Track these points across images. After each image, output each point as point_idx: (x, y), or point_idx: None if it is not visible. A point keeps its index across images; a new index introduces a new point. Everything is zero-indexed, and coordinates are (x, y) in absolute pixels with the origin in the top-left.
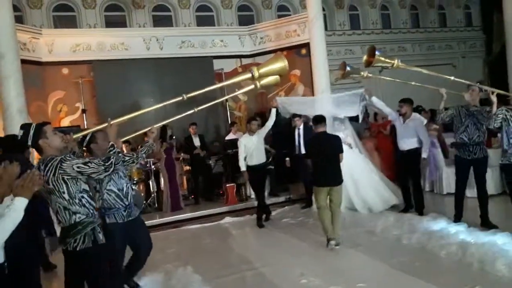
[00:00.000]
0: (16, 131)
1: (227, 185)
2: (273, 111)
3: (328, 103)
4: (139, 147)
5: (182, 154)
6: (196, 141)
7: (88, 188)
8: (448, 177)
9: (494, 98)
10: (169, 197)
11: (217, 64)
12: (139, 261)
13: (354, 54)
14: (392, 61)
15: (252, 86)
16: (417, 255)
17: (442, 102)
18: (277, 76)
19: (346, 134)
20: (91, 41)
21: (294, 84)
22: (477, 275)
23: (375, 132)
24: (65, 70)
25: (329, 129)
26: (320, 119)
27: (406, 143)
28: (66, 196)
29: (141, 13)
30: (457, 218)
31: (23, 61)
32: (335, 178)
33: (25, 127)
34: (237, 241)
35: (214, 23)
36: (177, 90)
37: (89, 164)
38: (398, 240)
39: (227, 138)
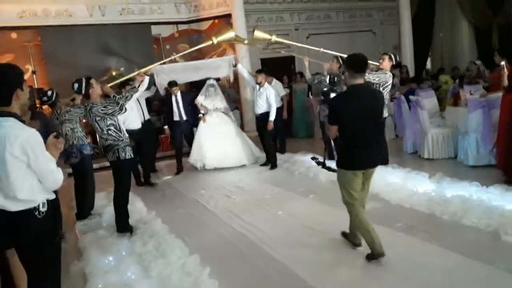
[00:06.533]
0: None
1: (162, 136)
2: (146, 78)
3: (199, 68)
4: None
5: None
6: None
7: (115, 123)
8: None
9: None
10: None
11: (155, 30)
12: None
13: (284, 21)
14: (270, 37)
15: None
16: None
17: (307, 69)
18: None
19: (220, 99)
20: (36, 8)
21: (225, 49)
22: (311, 182)
23: None
24: (13, 35)
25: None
26: (359, 63)
27: (260, 108)
28: (99, 130)
29: None
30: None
31: None
32: (377, 156)
33: (78, 81)
34: (164, 174)
35: None
36: (118, 54)
37: (108, 107)
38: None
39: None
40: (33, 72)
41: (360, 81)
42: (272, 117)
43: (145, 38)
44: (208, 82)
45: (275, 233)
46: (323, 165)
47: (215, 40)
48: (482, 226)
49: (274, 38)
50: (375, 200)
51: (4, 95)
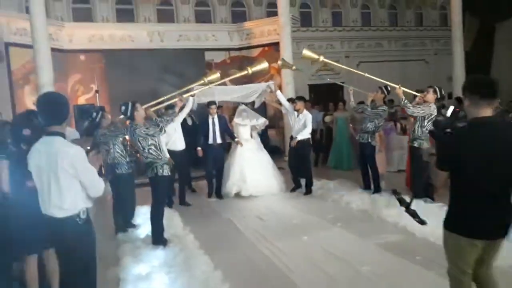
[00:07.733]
0: None
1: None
2: (190, 99)
3: (240, 91)
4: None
5: None
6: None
7: (155, 143)
8: None
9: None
10: None
11: (208, 56)
12: None
13: (334, 49)
14: (318, 57)
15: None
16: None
17: (351, 97)
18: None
19: (256, 117)
20: (103, 34)
21: (273, 75)
22: (342, 210)
23: None
24: (82, 57)
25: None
26: (486, 86)
27: (298, 134)
28: (141, 148)
29: (147, 8)
30: (365, 186)
31: None
32: (507, 221)
33: (125, 104)
34: (204, 193)
35: (211, 17)
36: (173, 77)
37: (150, 128)
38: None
39: None
40: (96, 91)
41: (487, 112)
42: (300, 136)
43: (199, 63)
44: (239, 107)
45: (297, 256)
46: (407, 207)
47: (250, 70)
48: (505, 266)
49: (322, 58)
50: (402, 232)
51: (58, 115)
